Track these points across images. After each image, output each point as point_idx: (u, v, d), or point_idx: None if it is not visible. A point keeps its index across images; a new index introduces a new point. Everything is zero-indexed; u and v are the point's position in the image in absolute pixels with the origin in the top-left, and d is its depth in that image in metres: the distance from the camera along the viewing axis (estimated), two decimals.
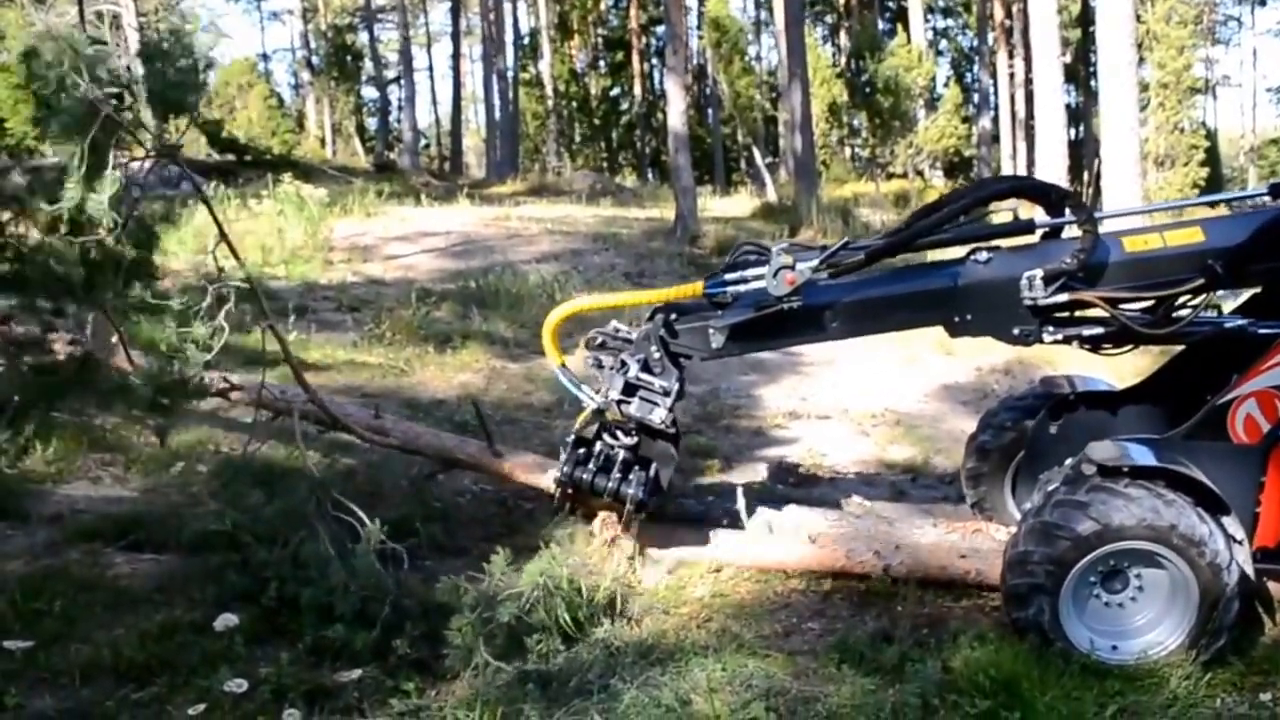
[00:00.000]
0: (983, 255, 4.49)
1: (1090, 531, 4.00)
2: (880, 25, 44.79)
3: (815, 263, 4.37)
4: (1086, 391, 5.27)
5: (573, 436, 4.63)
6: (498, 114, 42.49)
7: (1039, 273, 4.32)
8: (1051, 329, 4.48)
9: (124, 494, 6.11)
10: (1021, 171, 31.77)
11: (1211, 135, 47.83)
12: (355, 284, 12.81)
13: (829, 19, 52.66)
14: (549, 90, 48.98)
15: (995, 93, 40.55)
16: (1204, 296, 4.40)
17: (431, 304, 11.59)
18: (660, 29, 39.16)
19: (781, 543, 5.10)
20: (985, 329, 4.57)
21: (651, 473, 4.59)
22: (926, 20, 47.37)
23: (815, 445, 7.46)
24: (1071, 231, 4.54)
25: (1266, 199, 4.71)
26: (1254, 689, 4.06)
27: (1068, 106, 35.48)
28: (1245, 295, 4.74)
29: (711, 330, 4.51)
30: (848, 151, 43.97)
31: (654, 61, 50.34)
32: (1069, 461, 4.75)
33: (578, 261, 14.60)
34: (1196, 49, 43.04)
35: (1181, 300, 4.42)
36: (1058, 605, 4.08)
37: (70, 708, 3.86)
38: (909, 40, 36.86)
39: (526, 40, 51.79)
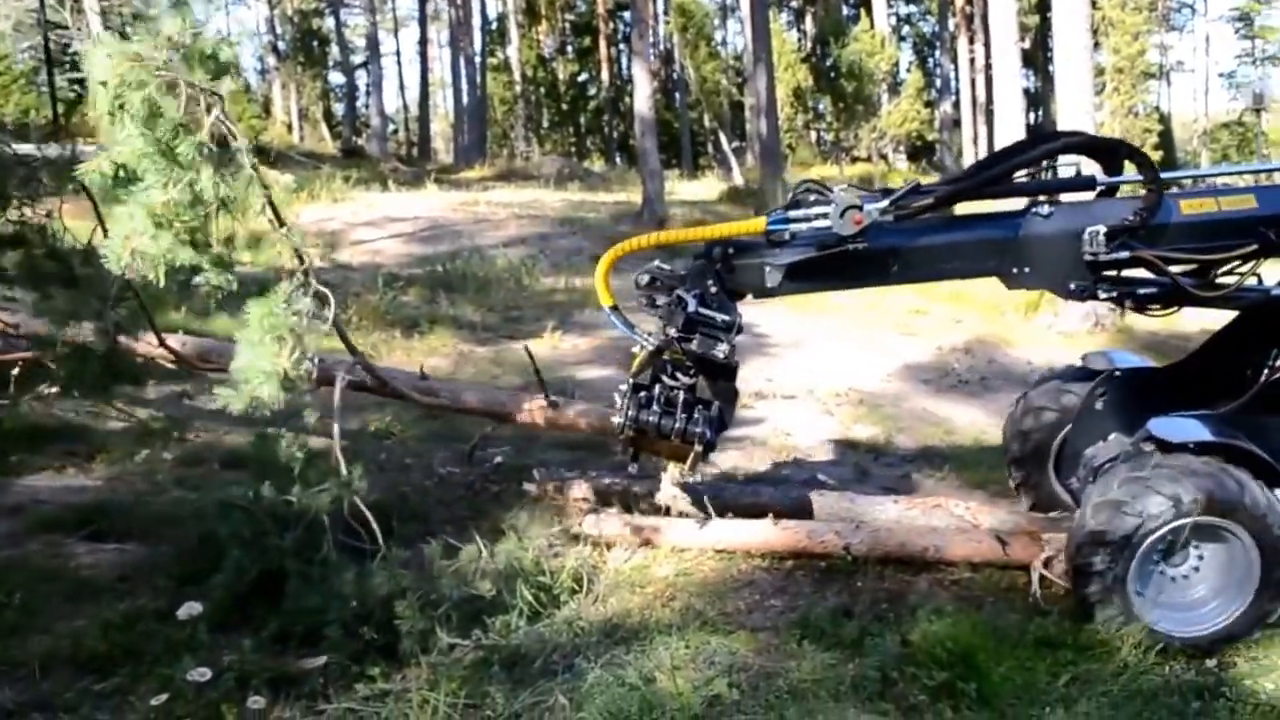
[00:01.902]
0: (1044, 209, 4.46)
1: (1161, 508, 4.07)
2: (845, 11, 44.86)
3: (885, 204, 4.27)
4: (1130, 368, 5.32)
5: (630, 381, 4.43)
6: (465, 99, 42.24)
7: (1101, 228, 4.32)
8: (1106, 286, 4.50)
9: (87, 483, 6.07)
10: (982, 154, 31.94)
11: (1165, 119, 48.27)
12: (322, 269, 12.72)
13: (794, 4, 52.65)
14: (517, 75, 48.72)
15: (956, 78, 40.69)
16: (1253, 262, 4.48)
17: (399, 289, 11.58)
18: (627, 14, 39.05)
19: (745, 524, 5.17)
20: (1042, 282, 4.61)
21: (714, 411, 4.45)
22: (890, 6, 47.44)
23: (781, 425, 7.53)
24: (1125, 191, 4.60)
25: None
26: (1201, 656, 4.20)
27: (1027, 91, 35.71)
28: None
29: (768, 268, 4.36)
30: (813, 135, 44.04)
31: (621, 47, 50.11)
32: (1112, 437, 4.95)
33: (545, 245, 14.61)
34: (1151, 35, 43.38)
35: (1229, 266, 4.48)
36: (1126, 580, 4.14)
37: (30, 699, 3.82)
38: (872, 26, 36.90)
39: (494, 25, 51.47)
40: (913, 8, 54.64)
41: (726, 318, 4.29)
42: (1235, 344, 4.93)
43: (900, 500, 5.49)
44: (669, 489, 5.08)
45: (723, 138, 32.01)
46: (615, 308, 4.49)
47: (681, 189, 23.29)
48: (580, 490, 5.70)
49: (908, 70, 45.04)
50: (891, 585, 4.82)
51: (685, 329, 4.25)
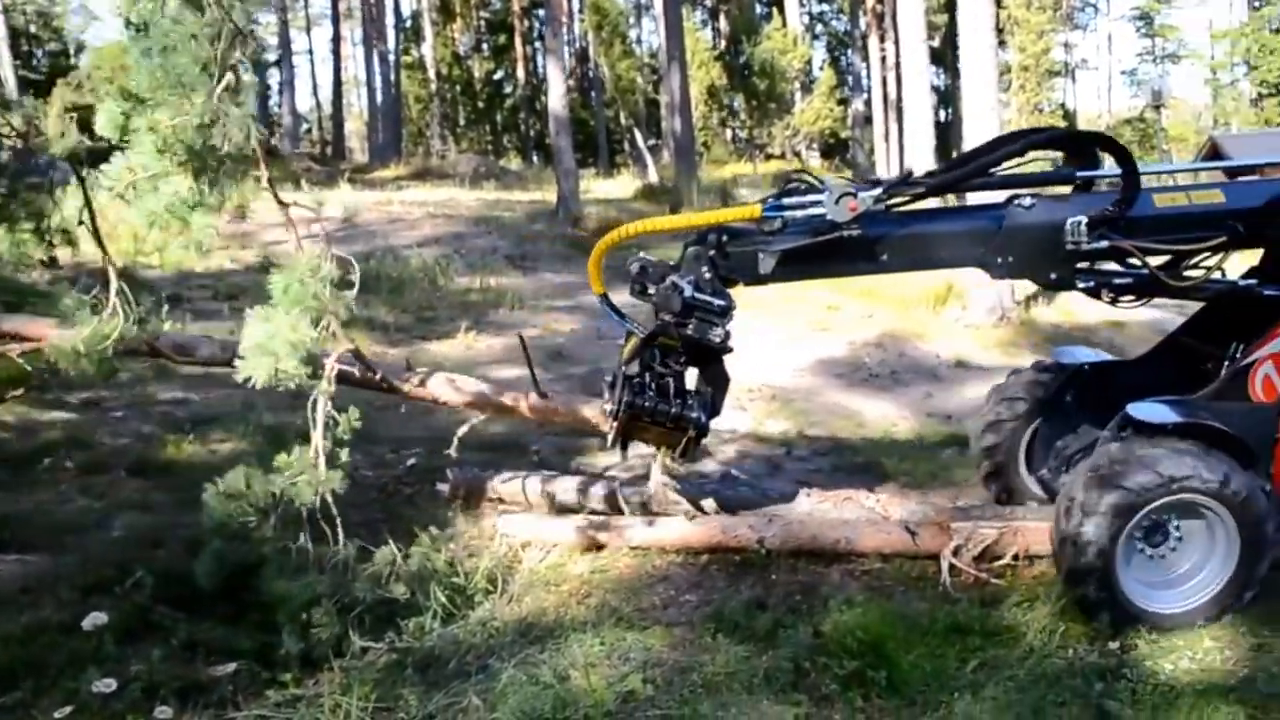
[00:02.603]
0: (1026, 200, 4.56)
1: (1150, 484, 4.18)
2: (758, 9, 45.26)
3: (879, 192, 4.33)
4: (1099, 361, 5.47)
5: (623, 368, 4.41)
6: (380, 98, 41.73)
7: (1084, 219, 4.44)
8: (1084, 276, 4.62)
9: None
10: (893, 151, 32.46)
11: (1070, 116, 49.68)
12: (233, 271, 12.51)
13: (709, 2, 52.97)
14: (432, 74, 48.28)
15: (868, 75, 41.30)
16: (1221, 255, 4.63)
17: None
18: (543, 12, 38.89)
19: (660, 521, 5.19)
20: (1024, 271, 4.67)
21: (707, 396, 4.47)
22: (802, 5, 48.00)
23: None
24: (1100, 186, 4.70)
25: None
26: (1104, 638, 4.31)
27: (938, 89, 36.45)
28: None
29: (762, 255, 4.38)
30: (728, 133, 44.36)
31: (537, 44, 49.92)
32: (1082, 429, 5.13)
33: (460, 245, 14.50)
34: (1055, 34, 44.53)
35: (1199, 259, 4.64)
36: (1113, 556, 4.24)
37: None
38: (784, 24, 37.31)
39: (408, 23, 50.92)
40: (825, 6, 55.36)
41: (722, 303, 4.30)
42: (1199, 335, 5.12)
43: (813, 493, 5.56)
44: (659, 477, 5.08)
45: (638, 135, 32.08)
46: (605, 296, 4.52)
47: (598, 187, 23.29)
48: (495, 490, 5.67)
49: (821, 68, 45.61)
50: (805, 577, 4.87)
51: (682, 314, 4.25)
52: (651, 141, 36.42)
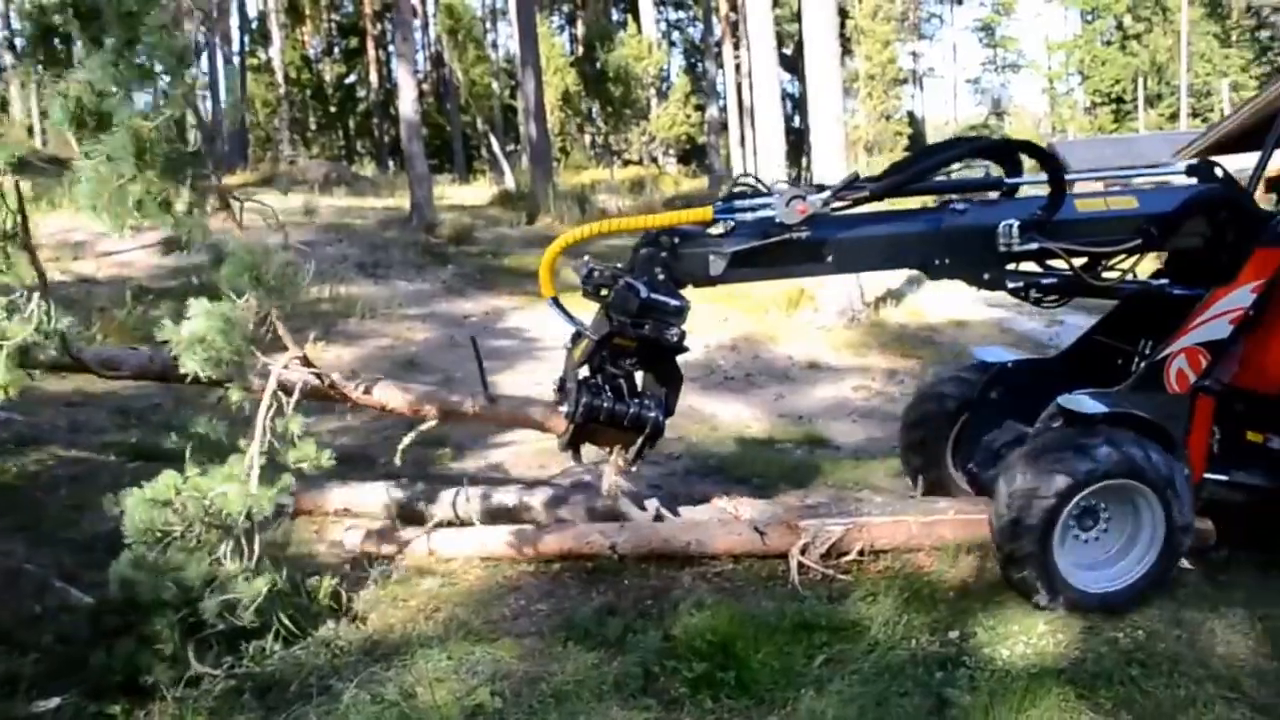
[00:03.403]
0: (960, 205, 4.73)
1: (1085, 470, 4.41)
2: (614, 16, 45.45)
3: (828, 195, 4.43)
4: (1021, 359, 5.75)
5: (580, 371, 4.43)
6: (225, 102, 40.44)
7: (1015, 222, 4.60)
8: (1013, 277, 4.78)
9: None
10: (749, 157, 32.98)
11: (916, 122, 51.36)
12: (64, 283, 11.91)
13: (565, 8, 52.98)
14: (280, 77, 47.00)
15: (724, 82, 41.90)
16: (1136, 256, 4.90)
17: (149, 302, 10.93)
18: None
19: (511, 532, 5.14)
20: (960, 272, 4.79)
21: (661, 396, 4.48)
22: (659, 12, 48.43)
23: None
24: (1025, 191, 4.89)
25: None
26: (945, 629, 4.44)
27: (791, 96, 37.21)
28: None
29: (713, 256, 4.42)
30: (587, 139, 44.44)
31: (390, 48, 49.10)
32: (1007, 424, 5.38)
33: (310, 253, 14.11)
34: (903, 43, 46.04)
35: (1114, 260, 4.90)
36: (1051, 539, 4.44)
37: None
38: (640, 31, 37.53)
39: (254, 25, 49.48)
40: (681, 14, 55.95)
41: (678, 303, 4.33)
42: (1112, 333, 5.42)
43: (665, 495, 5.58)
44: (612, 478, 4.98)
45: (494, 141, 31.84)
46: (556, 299, 4.53)
47: (454, 193, 23.02)
48: (341, 501, 5.52)
49: (679, 75, 46.11)
50: (657, 581, 4.88)
51: (639, 314, 4.26)
52: (510, 147, 36.20)
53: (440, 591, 4.80)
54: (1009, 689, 3.94)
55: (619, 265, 4.50)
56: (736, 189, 4.61)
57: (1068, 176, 4.82)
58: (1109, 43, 62.58)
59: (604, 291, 4.35)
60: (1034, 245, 4.68)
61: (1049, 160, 4.74)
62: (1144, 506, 4.59)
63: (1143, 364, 4.94)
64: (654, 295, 4.28)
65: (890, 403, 9.15)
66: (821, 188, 4.51)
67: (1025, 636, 4.36)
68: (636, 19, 40.07)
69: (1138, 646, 4.27)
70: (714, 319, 12.14)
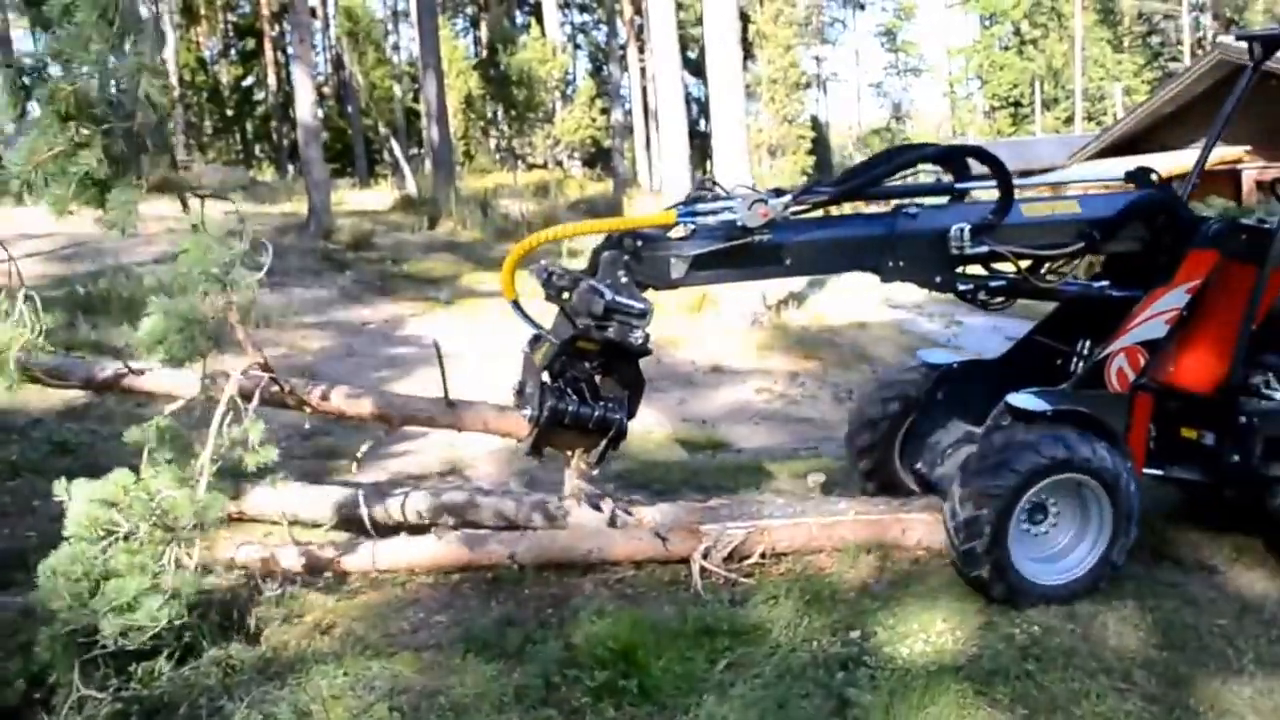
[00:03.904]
0: (912, 209, 4.80)
1: (1038, 465, 4.54)
2: (519, 19, 45.22)
3: (789, 199, 4.47)
4: (966, 361, 5.87)
5: (540, 373, 4.37)
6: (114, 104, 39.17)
7: (967, 226, 4.69)
8: (963, 280, 4.90)
9: None
10: (655, 160, 33.10)
11: (819, 126, 52.13)
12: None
13: (469, 10, 52.57)
14: (174, 79, 45.77)
15: (629, 86, 41.99)
16: (1079, 259, 5.06)
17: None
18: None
19: (410, 543, 5.04)
20: (912, 275, 4.86)
21: (625, 398, 4.47)
22: (564, 15, 48.34)
23: (448, 436, 7.40)
24: (973, 196, 4.97)
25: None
26: (846, 629, 4.47)
27: (697, 100, 37.43)
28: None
29: (674, 259, 4.41)
30: (492, 142, 44.14)
31: (289, 50, 48.19)
32: (953, 423, 5.51)
33: (268, 247, 13.75)
34: (807, 47, 46.72)
35: (1057, 264, 5.04)
36: (1006, 534, 4.55)
37: None
38: (544, 34, 37.40)
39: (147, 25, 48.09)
40: (586, 17, 55.90)
41: (641, 305, 4.31)
42: (1051, 334, 5.57)
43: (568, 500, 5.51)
44: (574, 482, 4.91)
45: (395, 145, 31.41)
46: (516, 303, 4.47)
47: (354, 198, 22.62)
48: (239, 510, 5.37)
49: (584, 79, 46.08)
50: (558, 590, 4.83)
51: (603, 317, 4.25)
52: (412, 151, 35.77)
53: (336, 606, 4.69)
54: (909, 687, 3.99)
55: (577, 270, 4.51)
56: (697, 193, 4.63)
57: (1023, 183, 4.98)
58: (1007, 48, 64.24)
59: (565, 295, 4.36)
60: (984, 248, 4.79)
61: (997, 166, 4.83)
62: (1091, 500, 4.74)
63: (1086, 363, 5.10)
64: (618, 298, 4.27)
65: (792, 405, 9.23)
66: (780, 192, 4.56)
67: (924, 634, 4.42)
68: (540, 22, 39.92)
69: (1033, 641, 4.35)
70: None
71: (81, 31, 3.56)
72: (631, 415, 4.56)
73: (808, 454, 7.35)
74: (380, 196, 23.08)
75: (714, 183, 4.70)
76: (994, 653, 4.25)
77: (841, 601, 4.70)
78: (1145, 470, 5.13)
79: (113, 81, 3.68)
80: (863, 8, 69.11)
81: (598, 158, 42.65)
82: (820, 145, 47.58)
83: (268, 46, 47.61)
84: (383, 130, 34.88)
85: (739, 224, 4.38)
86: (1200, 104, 22.63)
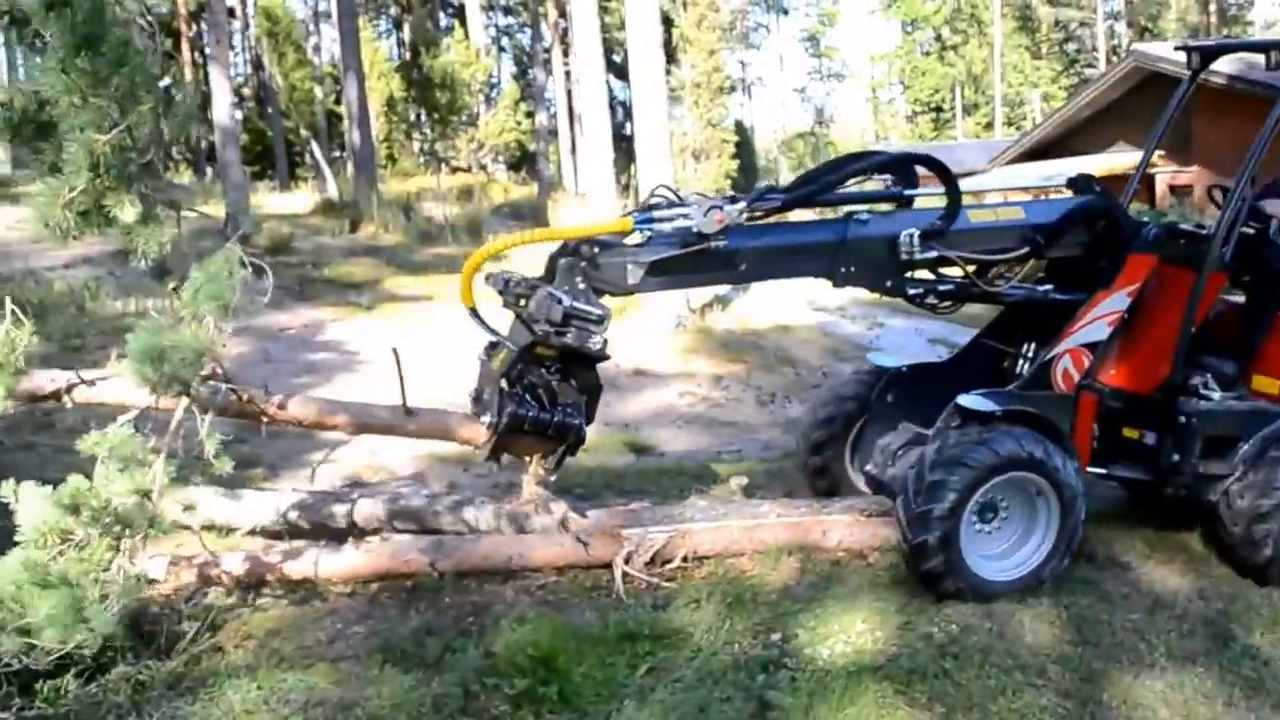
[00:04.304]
0: (863, 215, 4.90)
1: (989, 463, 4.63)
2: (443, 21, 44.88)
3: (744, 205, 4.55)
4: (914, 364, 5.94)
5: (499, 380, 4.44)
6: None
7: (916, 232, 4.80)
8: (912, 284, 5.01)
9: None
10: (580, 164, 33.00)
11: (744, 130, 52.47)
12: None
13: (392, 11, 52.02)
14: None
15: (553, 90, 41.88)
16: (1025, 264, 5.20)
17: None
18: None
19: (325, 552, 4.96)
20: (863, 280, 4.97)
21: (583, 404, 4.57)
22: (488, 18, 48.05)
23: (369, 445, 7.30)
24: (919, 203, 5.10)
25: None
26: (767, 631, 4.49)
27: (623, 104, 37.45)
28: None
29: (630, 265, 4.47)
30: (416, 145, 43.72)
31: (207, 51, 47.19)
32: (902, 425, 5.58)
33: (114, 265, 13.38)
34: (732, 52, 47.02)
35: (1001, 269, 5.19)
36: (959, 529, 4.64)
37: None
38: (467, 36, 37.14)
39: None
40: (511, 19, 55.64)
41: (599, 311, 4.42)
42: (997, 337, 5.70)
43: (487, 505, 5.46)
44: (532, 487, 5.02)
45: (316, 148, 30.91)
46: (474, 310, 4.59)
47: (274, 202, 22.18)
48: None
49: (509, 82, 45.82)
50: (478, 598, 4.78)
51: (562, 323, 4.34)
52: (335, 154, 35.25)
53: (251, 617, 4.59)
54: (829, 688, 4.01)
55: (533, 277, 4.58)
56: (653, 200, 4.69)
57: (969, 190, 5.15)
58: (928, 54, 65.26)
59: (523, 301, 4.43)
60: (933, 254, 4.90)
61: (945, 174, 4.95)
62: (1040, 498, 4.85)
63: (1032, 365, 5.22)
64: (576, 304, 4.37)
65: (715, 408, 9.25)
66: (735, 198, 4.64)
67: (845, 635, 4.44)
68: (464, 24, 39.66)
69: (951, 640, 4.40)
70: None
71: (114, 76, 3.59)
72: (589, 420, 4.65)
73: (730, 457, 7.38)
74: (300, 200, 22.68)
75: (670, 189, 4.78)
76: (912, 652, 4.29)
77: (763, 604, 4.72)
78: (1089, 469, 5.25)
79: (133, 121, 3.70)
80: (786, 13, 69.72)
81: (523, 161, 42.49)
82: (745, 149, 47.89)
83: (185, 46, 46.67)
84: (304, 133, 34.33)
85: (695, 230, 4.45)
86: (1115, 109, 23.24)
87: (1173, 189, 22.40)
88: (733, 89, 54.09)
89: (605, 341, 4.48)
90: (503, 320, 4.58)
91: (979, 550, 4.82)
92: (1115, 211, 5.33)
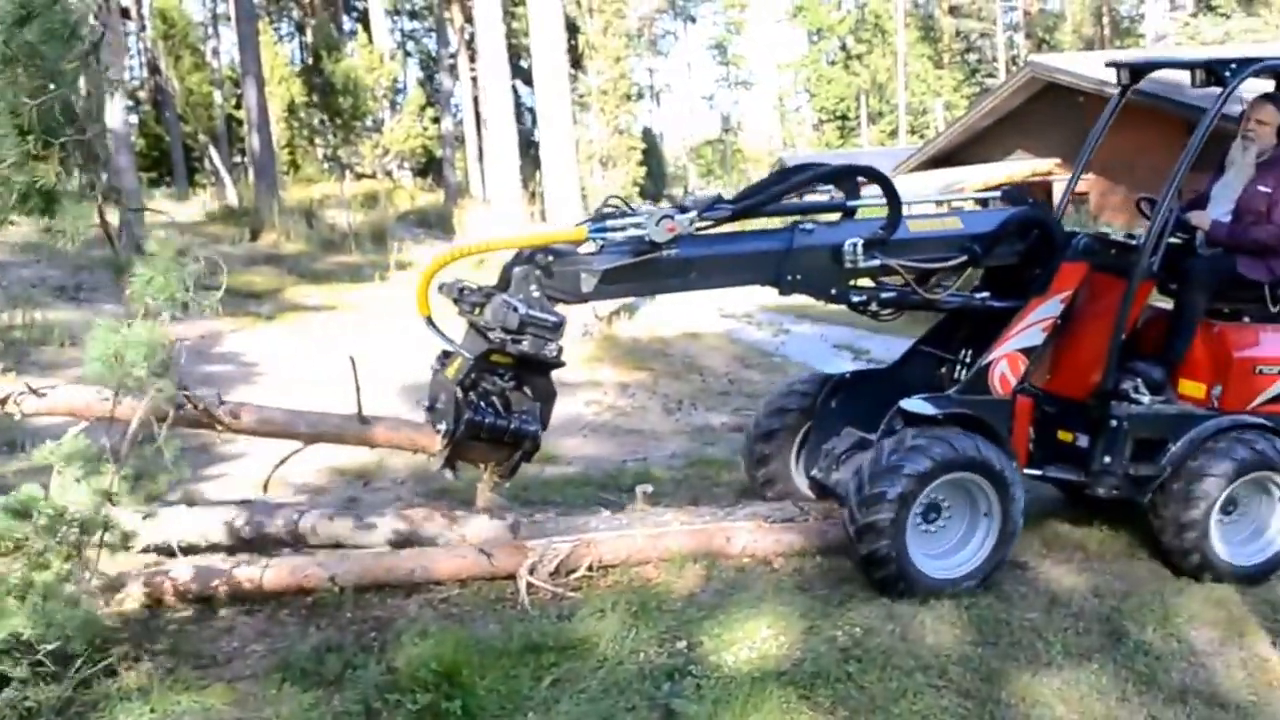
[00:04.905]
0: (808, 225, 5.03)
1: (931, 465, 4.75)
2: (346, 25, 44.25)
3: (694, 214, 4.65)
4: (856, 371, 6.23)
5: (458, 387, 4.52)
6: None
7: (860, 241, 4.93)
8: (855, 292, 5.12)
9: None
10: (484, 170, 32.81)
11: (652, 137, 52.65)
12: None
13: (293, 15, 51.12)
14: None
15: (460, 95, 41.54)
16: (964, 272, 5.41)
17: None
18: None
19: (228, 568, 4.83)
20: (809, 288, 5.06)
21: (538, 410, 4.69)
22: (393, 22, 47.51)
23: (265, 457, 7.14)
24: (862, 213, 5.28)
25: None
26: (673, 639, 4.49)
27: (531, 110, 37.35)
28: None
29: (584, 274, 4.54)
30: (319, 152, 43.01)
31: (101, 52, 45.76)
32: (845, 430, 5.67)
33: (1, 276, 12.94)
34: (640, 59, 47.16)
35: (939, 276, 5.35)
36: (905, 532, 4.77)
37: None
38: (371, 41, 36.66)
39: None
40: (416, 24, 55.08)
41: (554, 319, 4.54)
42: (935, 343, 5.81)
43: (389, 515, 5.37)
44: (486, 494, 5.02)
45: (215, 154, 30.27)
46: (430, 319, 4.64)
47: (172, 208, 21.59)
48: None
49: (415, 87, 45.30)
50: (380, 612, 4.71)
51: (518, 331, 4.44)
52: (235, 160, 34.51)
53: (144, 637, 4.44)
54: (733, 695, 4.02)
55: (482, 285, 4.67)
56: (606, 209, 4.77)
57: (912, 201, 5.27)
58: (833, 63, 66.12)
59: (477, 310, 4.52)
60: (875, 262, 5.04)
61: (886, 185, 5.08)
62: (981, 498, 4.99)
63: (971, 369, 5.34)
64: (531, 312, 4.47)
65: (622, 416, 9.24)
66: (684, 208, 4.74)
67: (750, 641, 4.47)
68: (368, 29, 39.15)
69: (855, 643, 4.45)
70: (437, 348, 11.90)
71: (37, 43, 3.50)
72: (544, 427, 4.76)
73: (636, 465, 7.38)
74: (198, 206, 22.19)
75: (621, 199, 4.90)
76: (816, 656, 4.34)
77: (668, 612, 4.72)
78: (1025, 470, 5.40)
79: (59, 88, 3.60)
80: (695, 21, 70.19)
81: (429, 168, 42.08)
82: (653, 156, 48.02)
83: None
84: (202, 138, 33.51)
85: (647, 239, 4.54)
86: (1014, 118, 23.76)
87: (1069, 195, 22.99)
88: (640, 96, 54.32)
89: (560, 349, 4.57)
90: (455, 329, 4.67)
91: (926, 549, 4.97)
92: (1048, 221, 5.51)
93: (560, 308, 4.67)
